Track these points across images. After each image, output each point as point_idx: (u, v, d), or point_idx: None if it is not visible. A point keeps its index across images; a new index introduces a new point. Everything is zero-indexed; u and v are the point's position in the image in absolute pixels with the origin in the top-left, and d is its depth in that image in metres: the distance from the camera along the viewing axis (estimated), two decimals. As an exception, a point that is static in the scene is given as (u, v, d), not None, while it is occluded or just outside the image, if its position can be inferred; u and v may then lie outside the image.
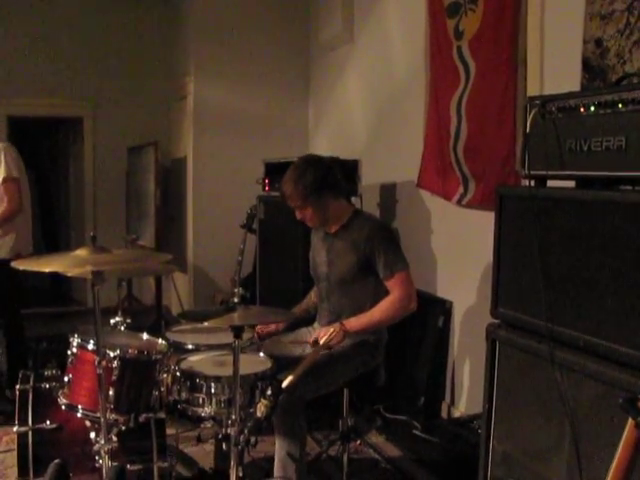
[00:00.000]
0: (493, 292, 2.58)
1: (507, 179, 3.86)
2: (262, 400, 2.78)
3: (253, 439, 3.00)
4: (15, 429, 3.18)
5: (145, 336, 3.25)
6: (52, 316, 8.02)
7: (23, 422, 3.16)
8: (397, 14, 5.35)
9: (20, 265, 2.55)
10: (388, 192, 5.32)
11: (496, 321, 2.58)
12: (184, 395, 3.01)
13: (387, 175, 5.34)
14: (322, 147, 6.62)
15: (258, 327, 3.56)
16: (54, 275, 2.85)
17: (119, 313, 3.52)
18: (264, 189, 5.40)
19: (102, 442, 2.70)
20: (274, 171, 5.26)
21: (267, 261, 5.40)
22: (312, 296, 3.75)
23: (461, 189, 4.39)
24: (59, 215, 10.00)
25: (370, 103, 5.78)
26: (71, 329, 3.17)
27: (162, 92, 8.06)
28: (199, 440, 4.12)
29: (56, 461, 2.95)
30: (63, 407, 2.96)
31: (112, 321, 3.47)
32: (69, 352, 2.98)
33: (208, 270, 6.90)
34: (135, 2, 8.08)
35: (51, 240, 10.00)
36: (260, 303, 5.30)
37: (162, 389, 3.03)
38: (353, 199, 4.75)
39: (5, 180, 4.65)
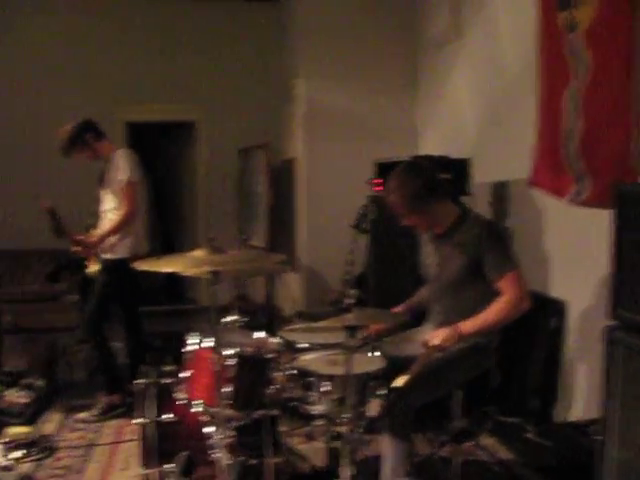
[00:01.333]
0: (611, 293, 2.51)
1: (624, 176, 3.74)
2: (374, 399, 2.80)
3: (365, 438, 3.02)
4: (138, 421, 3.33)
5: (260, 335, 3.33)
6: (167, 314, 8.29)
7: (145, 415, 3.31)
8: (506, 8, 5.26)
9: (141, 266, 2.66)
10: (500, 190, 5.24)
11: (614, 322, 2.51)
12: (297, 393, 3.07)
13: (499, 173, 5.26)
14: (431, 146, 6.58)
15: (371, 326, 3.57)
16: (169, 274, 2.95)
17: (234, 312, 3.63)
18: (375, 189, 5.41)
19: (219, 436, 2.79)
20: (385, 171, 5.23)
21: (378, 261, 5.41)
22: (423, 291, 3.73)
23: (575, 187, 4.27)
24: (173, 216, 10.32)
25: (480, 100, 5.71)
26: (187, 327, 3.28)
27: (272, 94, 8.22)
28: (310, 438, 4.16)
29: (183, 453, 3.07)
30: (182, 402, 3.08)
31: (227, 319, 3.58)
32: (187, 349, 3.09)
33: (319, 270, 6.95)
34: (243, 7, 8.27)
35: (166, 240, 10.32)
36: (372, 303, 5.30)
37: (275, 387, 3.09)
38: (464, 198, 4.71)
39: (126, 183, 4.85)
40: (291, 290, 7.11)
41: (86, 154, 4.96)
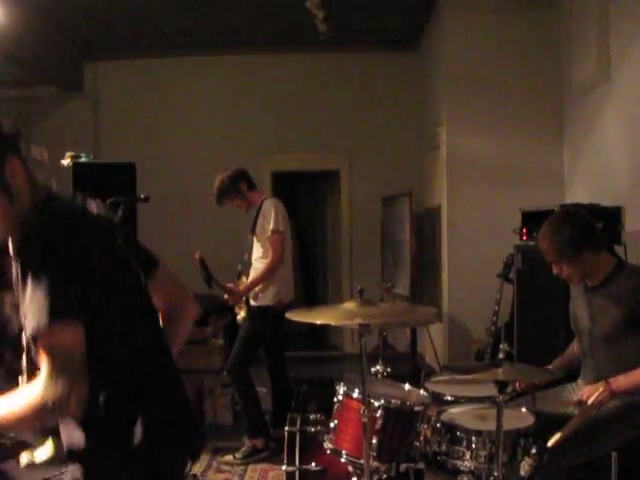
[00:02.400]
0: None
1: None
2: (526, 459, 2.73)
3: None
4: (284, 468, 3.39)
5: (407, 386, 3.32)
6: (310, 360, 8.39)
7: (291, 462, 3.37)
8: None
9: (295, 317, 2.73)
10: (655, 240, 5.02)
11: None
12: (444, 447, 3.02)
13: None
14: (580, 194, 6.38)
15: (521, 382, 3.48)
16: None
17: (379, 362, 3.64)
18: (521, 238, 5.30)
19: (365, 488, 2.79)
20: (531, 220, 5.15)
21: (525, 312, 5.27)
22: (574, 347, 3.62)
23: None
24: (317, 264, 10.49)
25: (632, 145, 5.50)
26: (333, 375, 3.31)
27: (415, 142, 8.31)
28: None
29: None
30: (328, 451, 3.11)
31: (373, 369, 3.60)
32: (335, 399, 3.12)
33: (463, 319, 6.86)
34: (385, 56, 8.45)
35: (310, 287, 10.48)
36: (518, 356, 5.17)
37: (422, 439, 3.05)
38: (616, 248, 4.54)
39: (273, 232, 4.98)
40: (434, 340, 7.03)
41: (238, 202, 5.14)
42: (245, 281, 5.14)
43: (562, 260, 3.25)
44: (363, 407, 2.73)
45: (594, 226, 3.31)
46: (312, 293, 10.32)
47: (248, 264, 5.20)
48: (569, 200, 6.42)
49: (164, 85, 8.51)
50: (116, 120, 8.43)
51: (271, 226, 4.98)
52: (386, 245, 8.20)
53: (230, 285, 5.15)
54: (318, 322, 2.69)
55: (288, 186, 9.26)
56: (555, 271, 3.34)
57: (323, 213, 9.92)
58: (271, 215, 5.00)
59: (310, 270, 10.63)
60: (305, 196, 10.56)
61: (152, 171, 7.78)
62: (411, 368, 6.75)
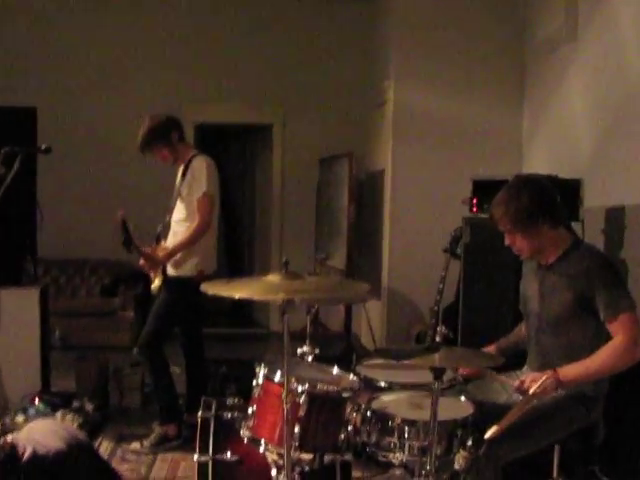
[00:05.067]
0: None
1: None
2: (461, 451, 2.80)
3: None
4: (196, 457, 3.40)
5: (335, 370, 3.34)
6: (232, 338, 8.41)
7: (204, 451, 3.38)
8: (630, 5, 5.16)
9: (210, 290, 2.73)
10: (615, 217, 5.14)
11: None
12: (374, 438, 3.06)
13: (615, 197, 5.15)
14: (538, 163, 6.50)
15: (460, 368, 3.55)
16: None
17: (307, 342, 3.66)
18: (471, 210, 5.37)
19: (285, 481, 2.82)
20: (483, 190, 5.22)
21: (472, 291, 5.36)
22: (522, 328, 3.69)
23: None
24: (243, 230, 10.47)
25: (597, 112, 5.60)
26: (255, 355, 3.32)
27: (358, 99, 8.31)
28: (387, 488, 4.17)
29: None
30: (245, 440, 3.11)
31: (299, 350, 3.61)
32: (254, 382, 3.13)
33: (404, 297, 6.94)
34: (331, 3, 8.37)
35: (234, 258, 10.44)
36: (462, 339, 5.28)
37: (350, 429, 3.09)
38: (573, 224, 4.65)
39: (204, 195, 4.92)
40: (372, 319, 7.10)
41: (165, 154, 5.03)
42: (164, 246, 5.09)
43: (515, 230, 3.30)
44: (285, 392, 2.75)
45: (556, 198, 3.35)
46: (237, 264, 10.30)
47: (169, 226, 5.15)
48: (526, 170, 6.54)
49: (71, 19, 8.33)
50: (13, 59, 8.21)
51: (203, 188, 4.92)
52: (322, 212, 8.24)
53: (148, 250, 5.07)
54: (236, 296, 2.70)
55: (213, 141, 9.16)
56: (507, 242, 3.39)
57: (252, 174, 9.88)
58: (202, 175, 4.94)
59: (235, 238, 10.58)
60: (232, 153, 10.46)
61: (56, 118, 7.67)
62: (344, 350, 6.83)
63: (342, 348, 6.94)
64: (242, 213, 10.43)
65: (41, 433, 2.74)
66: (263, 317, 9.08)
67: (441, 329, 2.91)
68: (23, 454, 2.59)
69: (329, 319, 8.33)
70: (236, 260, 10.35)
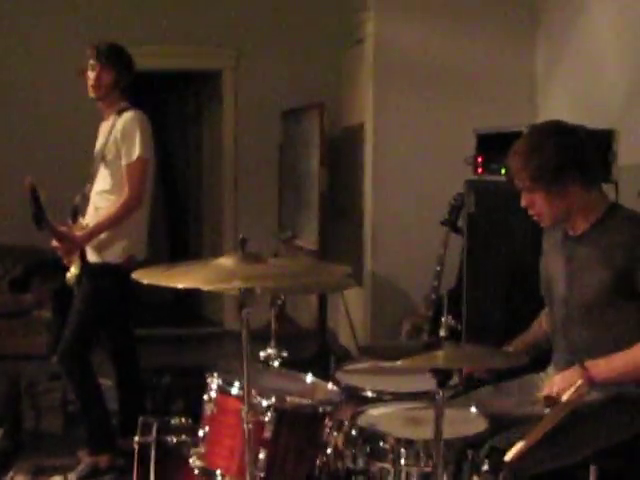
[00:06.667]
0: None
1: None
2: (475, 477, 2.77)
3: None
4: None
5: (308, 378, 3.34)
6: (176, 340, 8.43)
7: (143, 486, 3.34)
8: None
9: (146, 279, 2.67)
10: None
11: None
12: (361, 463, 3.05)
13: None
14: (557, 112, 6.45)
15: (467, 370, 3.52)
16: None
17: (271, 343, 3.61)
18: (475, 171, 5.35)
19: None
20: (490, 146, 5.21)
21: (478, 273, 5.35)
22: (543, 322, 3.69)
23: None
24: (188, 203, 10.47)
25: (630, 49, 5.60)
26: (208, 363, 3.29)
27: (329, 36, 8.25)
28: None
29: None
30: (196, 471, 3.08)
31: (262, 354, 3.58)
32: (206, 397, 3.10)
33: (392, 284, 6.96)
34: None
35: (177, 237, 10.42)
36: (467, 333, 5.24)
37: (329, 453, 3.08)
38: (604, 186, 4.60)
39: (137, 159, 4.87)
40: (352, 312, 7.07)
41: (104, 80, 5.02)
42: (83, 224, 5.01)
43: (536, 188, 3.25)
44: (245, 408, 2.72)
45: (590, 151, 3.32)
46: (180, 245, 10.29)
47: (89, 199, 5.07)
48: (543, 119, 6.49)
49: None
50: None
51: (136, 150, 4.86)
52: (286, 178, 8.26)
53: (63, 229, 5.00)
54: (180, 286, 2.64)
55: (148, 92, 9.06)
56: (524, 203, 3.34)
57: (197, 132, 9.86)
58: (135, 135, 4.89)
59: (178, 213, 10.56)
60: (171, 107, 10.44)
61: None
62: (318, 351, 6.84)
63: (316, 349, 6.96)
64: (186, 182, 10.43)
65: None
66: (215, 313, 9.09)
67: (447, 320, 2.85)
68: None
69: (299, 313, 8.37)
70: (179, 241, 10.35)
